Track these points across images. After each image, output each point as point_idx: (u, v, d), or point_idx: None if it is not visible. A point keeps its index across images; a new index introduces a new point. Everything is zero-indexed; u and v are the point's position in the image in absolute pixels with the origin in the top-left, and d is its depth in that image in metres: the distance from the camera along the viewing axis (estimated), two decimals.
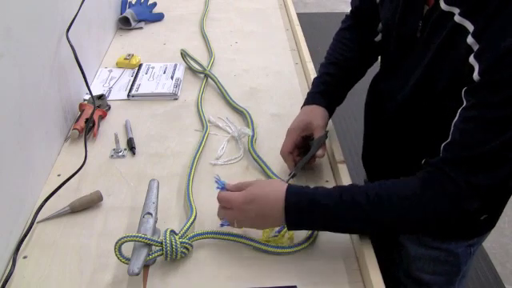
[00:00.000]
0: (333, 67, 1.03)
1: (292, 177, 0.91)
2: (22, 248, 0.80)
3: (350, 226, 0.76)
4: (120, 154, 1.02)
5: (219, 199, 0.80)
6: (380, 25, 0.98)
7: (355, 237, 0.82)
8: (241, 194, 0.78)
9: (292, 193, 0.76)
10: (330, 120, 1.09)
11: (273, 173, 0.95)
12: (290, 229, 0.78)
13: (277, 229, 0.83)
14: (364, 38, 1.03)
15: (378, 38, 1.00)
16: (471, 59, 0.68)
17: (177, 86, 1.25)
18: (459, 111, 0.71)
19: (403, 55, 0.87)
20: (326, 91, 1.01)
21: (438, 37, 0.75)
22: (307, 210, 0.75)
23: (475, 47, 0.68)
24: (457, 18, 0.71)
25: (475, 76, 0.67)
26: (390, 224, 0.75)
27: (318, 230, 0.82)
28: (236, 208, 0.77)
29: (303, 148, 0.96)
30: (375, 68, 1.04)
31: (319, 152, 0.93)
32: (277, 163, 0.99)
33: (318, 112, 0.98)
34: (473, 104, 0.69)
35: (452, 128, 0.72)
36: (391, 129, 0.95)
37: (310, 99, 1.01)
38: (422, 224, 0.75)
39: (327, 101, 1.00)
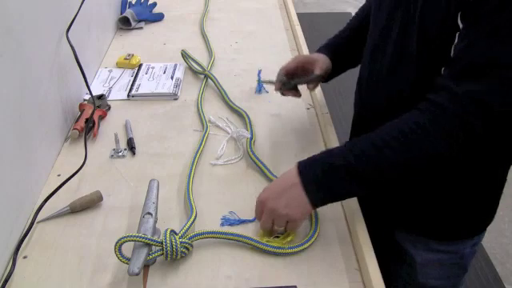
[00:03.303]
0: (348, 31, 1.07)
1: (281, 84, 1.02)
2: (22, 248, 0.80)
3: (371, 180, 0.74)
4: (120, 154, 1.02)
5: (256, 209, 0.82)
6: None
7: (355, 237, 0.82)
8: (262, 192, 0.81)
9: (304, 165, 0.77)
10: (331, 122, 1.09)
11: (272, 173, 0.95)
12: (315, 204, 0.77)
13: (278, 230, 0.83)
14: None
15: None
16: None
17: (177, 86, 1.25)
18: (457, 34, 0.70)
19: (391, 31, 0.84)
20: (337, 48, 1.05)
21: None
22: (323, 177, 0.75)
23: None
24: None
25: None
26: (405, 164, 0.73)
27: (342, 197, 0.80)
28: (263, 201, 0.79)
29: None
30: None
31: (310, 86, 1.02)
32: (276, 164, 0.99)
33: (324, 57, 1.02)
34: (471, 20, 0.68)
35: (452, 51, 0.71)
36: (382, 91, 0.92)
37: (320, 50, 1.05)
38: (436, 154, 0.72)
39: (333, 54, 1.03)
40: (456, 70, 0.70)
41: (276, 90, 1.05)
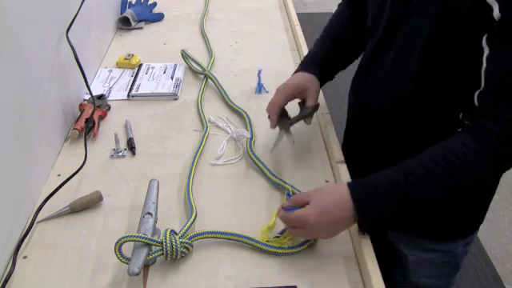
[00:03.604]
0: (330, 43, 1.03)
1: (278, 141, 0.95)
2: (22, 248, 0.80)
3: (418, 202, 0.74)
4: (120, 154, 1.02)
5: (292, 220, 0.77)
6: None
7: (355, 237, 0.82)
8: (309, 209, 0.76)
9: (358, 193, 0.75)
10: (331, 122, 1.09)
11: (272, 174, 0.95)
12: (362, 229, 0.78)
13: (278, 230, 0.83)
14: (359, 21, 1.01)
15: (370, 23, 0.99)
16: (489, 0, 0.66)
17: (177, 85, 1.25)
18: (485, 58, 0.70)
19: (396, 30, 0.83)
20: (323, 64, 1.00)
21: None
22: (375, 199, 0.74)
23: None
24: None
25: (495, 14, 0.65)
26: (452, 186, 0.74)
27: (385, 220, 0.78)
28: (310, 225, 0.75)
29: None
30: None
31: (308, 120, 0.95)
32: (276, 164, 0.99)
33: (314, 81, 0.97)
34: (501, 44, 0.68)
35: (483, 76, 0.71)
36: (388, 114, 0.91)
37: (307, 67, 0.99)
38: (484, 176, 0.75)
39: (321, 73, 0.99)
40: (495, 95, 0.70)
41: (272, 127, 0.95)
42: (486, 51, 0.69)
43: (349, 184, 0.76)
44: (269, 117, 0.96)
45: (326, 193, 0.78)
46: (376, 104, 0.91)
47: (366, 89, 0.94)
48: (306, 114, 0.95)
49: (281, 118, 0.96)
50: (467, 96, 0.74)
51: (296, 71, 1.01)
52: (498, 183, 0.92)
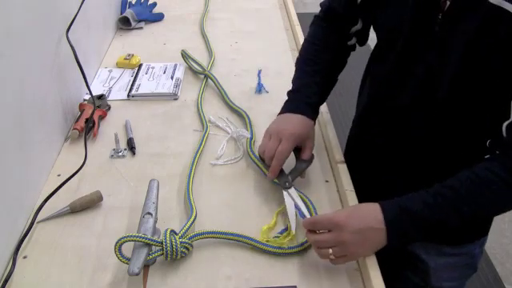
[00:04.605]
0: (319, 76, 0.98)
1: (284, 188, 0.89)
2: (22, 248, 0.80)
3: (445, 224, 0.74)
4: (120, 154, 1.02)
5: (318, 220, 0.76)
6: (356, 27, 0.95)
7: None
8: (338, 211, 0.76)
9: (387, 209, 0.74)
10: (331, 121, 1.09)
11: None
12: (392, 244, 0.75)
13: (278, 230, 0.83)
14: (339, 42, 0.99)
15: (352, 41, 0.98)
16: None
17: (177, 85, 1.25)
18: None
19: (417, 55, 0.81)
20: (315, 104, 0.97)
21: (468, 24, 0.71)
22: (404, 219, 0.73)
23: None
24: (494, 0, 0.67)
25: None
26: (480, 214, 0.77)
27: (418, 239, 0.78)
28: (338, 226, 0.73)
29: None
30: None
31: (303, 175, 0.93)
32: None
33: (312, 129, 0.94)
34: None
35: None
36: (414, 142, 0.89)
37: (303, 109, 0.94)
38: (506, 206, 0.76)
39: (315, 115, 0.97)
40: None
41: (273, 178, 0.90)
42: None
43: (379, 202, 0.75)
44: (263, 161, 0.93)
45: (356, 206, 0.81)
46: (400, 113, 0.89)
47: (392, 100, 0.90)
48: (304, 168, 0.92)
49: (286, 177, 0.90)
50: (491, 122, 0.74)
51: (286, 109, 0.96)
52: None
